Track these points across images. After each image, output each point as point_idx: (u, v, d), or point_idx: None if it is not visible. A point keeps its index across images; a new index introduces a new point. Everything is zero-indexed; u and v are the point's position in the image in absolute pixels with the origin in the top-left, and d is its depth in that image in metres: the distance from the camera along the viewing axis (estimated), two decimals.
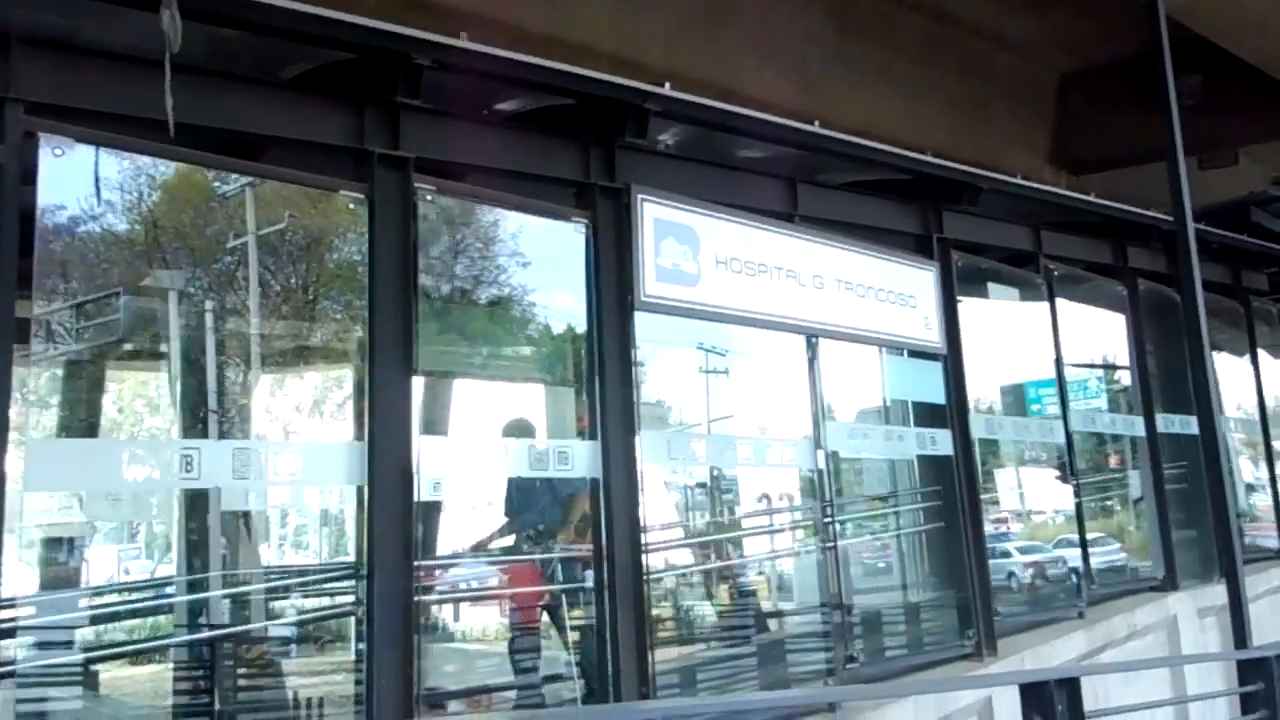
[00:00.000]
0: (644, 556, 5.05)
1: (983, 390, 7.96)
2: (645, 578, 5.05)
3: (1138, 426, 9.32)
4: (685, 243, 5.57)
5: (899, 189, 7.16)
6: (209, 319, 5.02)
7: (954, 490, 7.01)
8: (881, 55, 11.28)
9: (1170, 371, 10.17)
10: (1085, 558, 8.15)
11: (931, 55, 11.81)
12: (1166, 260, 10.24)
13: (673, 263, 5.48)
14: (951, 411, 7.09)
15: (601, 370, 5.10)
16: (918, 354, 7.10)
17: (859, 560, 7.60)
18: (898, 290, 6.83)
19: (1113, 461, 10.37)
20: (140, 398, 5.37)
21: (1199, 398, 7.65)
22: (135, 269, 4.68)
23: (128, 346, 5.13)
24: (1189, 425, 9.98)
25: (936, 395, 7.10)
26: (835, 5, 10.57)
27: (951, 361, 7.17)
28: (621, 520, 4.99)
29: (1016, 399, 8.72)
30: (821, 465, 6.12)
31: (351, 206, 4.49)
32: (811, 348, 6.22)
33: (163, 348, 4.96)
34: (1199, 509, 10.07)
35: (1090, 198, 8.44)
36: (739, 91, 7.40)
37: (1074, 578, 8.11)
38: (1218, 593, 9.21)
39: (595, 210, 5.25)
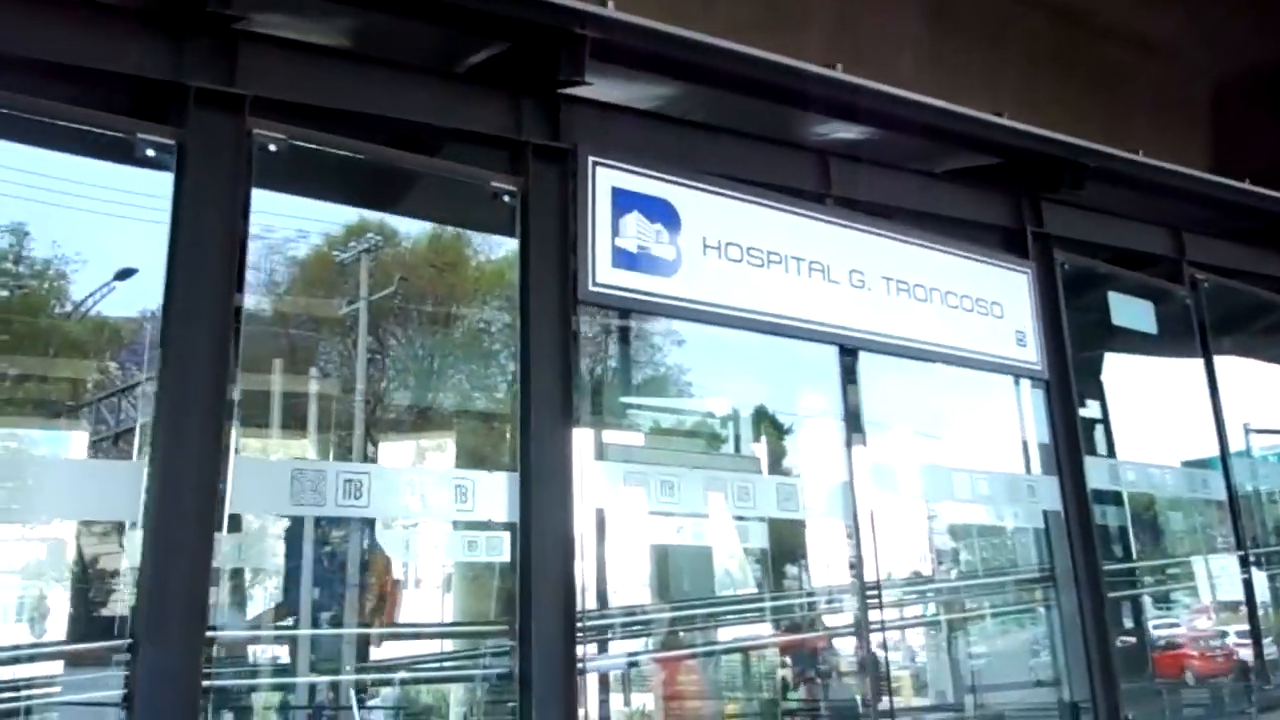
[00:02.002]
0: (578, 636, 3.65)
1: None
2: (579, 668, 3.65)
3: None
4: (658, 220, 4.25)
5: (978, 172, 5.63)
6: None
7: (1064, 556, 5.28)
8: (988, 60, 9.74)
9: None
10: (1258, 648, 6.13)
11: (1054, 61, 10.14)
12: None
13: (638, 245, 4.17)
14: (1059, 455, 5.39)
15: (526, 380, 3.80)
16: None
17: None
18: (975, 295, 5.27)
19: None
20: None
21: None
22: None
23: None
24: None
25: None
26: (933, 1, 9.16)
27: (1056, 388, 5.49)
28: (547, 585, 3.62)
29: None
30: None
31: None
32: (846, 361, 4.73)
33: None
34: None
35: (1249, 186, 6.61)
36: None
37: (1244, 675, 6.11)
38: None
39: (528, 176, 4.01)
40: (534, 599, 3.59)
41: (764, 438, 6.66)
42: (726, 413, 7.22)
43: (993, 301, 5.34)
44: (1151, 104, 11.43)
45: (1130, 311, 6.19)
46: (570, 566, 3.69)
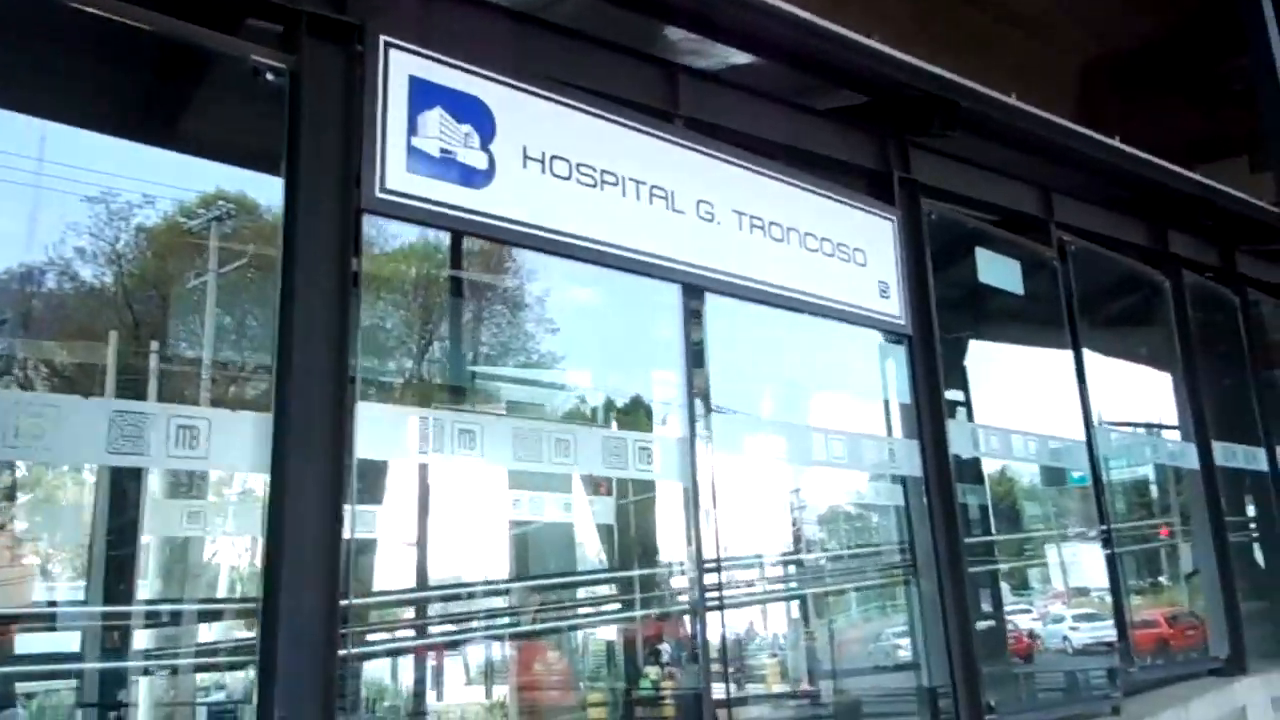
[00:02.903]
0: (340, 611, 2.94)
1: None
2: (341, 656, 2.94)
3: (1189, 457, 7.07)
4: (467, 121, 3.56)
5: (845, 109, 5.14)
6: None
7: (924, 532, 4.85)
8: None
9: (1229, 391, 7.95)
10: (1122, 631, 5.87)
11: (919, 28, 9.86)
12: (1218, 252, 8.14)
13: (441, 148, 3.47)
14: (920, 416, 4.95)
15: (289, 297, 3.06)
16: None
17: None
18: (836, 239, 4.76)
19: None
20: None
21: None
22: None
23: None
24: (1256, 459, 7.77)
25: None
26: None
27: (920, 344, 5.05)
28: (303, 555, 2.90)
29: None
30: None
31: None
32: (691, 301, 4.14)
33: None
34: (1274, 568, 7.80)
35: (1121, 145, 6.33)
36: None
37: (1106, 659, 5.84)
38: None
39: (302, 53, 3.25)
40: (284, 570, 2.86)
41: (609, 396, 6.06)
42: (583, 381, 6.60)
43: (855, 248, 4.84)
44: (1018, 73, 11.23)
45: (997, 270, 5.82)
46: (336, 533, 2.98)
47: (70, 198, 5.34)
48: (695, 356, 4.09)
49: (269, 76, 3.22)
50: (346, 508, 3.02)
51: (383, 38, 3.38)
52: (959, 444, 5.11)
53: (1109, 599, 6.02)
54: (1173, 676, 6.35)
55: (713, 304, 4.23)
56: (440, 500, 5.55)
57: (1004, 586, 7.31)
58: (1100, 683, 5.65)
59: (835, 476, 5.20)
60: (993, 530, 7.52)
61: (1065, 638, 7.21)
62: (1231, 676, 6.57)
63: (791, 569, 6.13)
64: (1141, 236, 7.26)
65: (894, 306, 4.95)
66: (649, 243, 3.96)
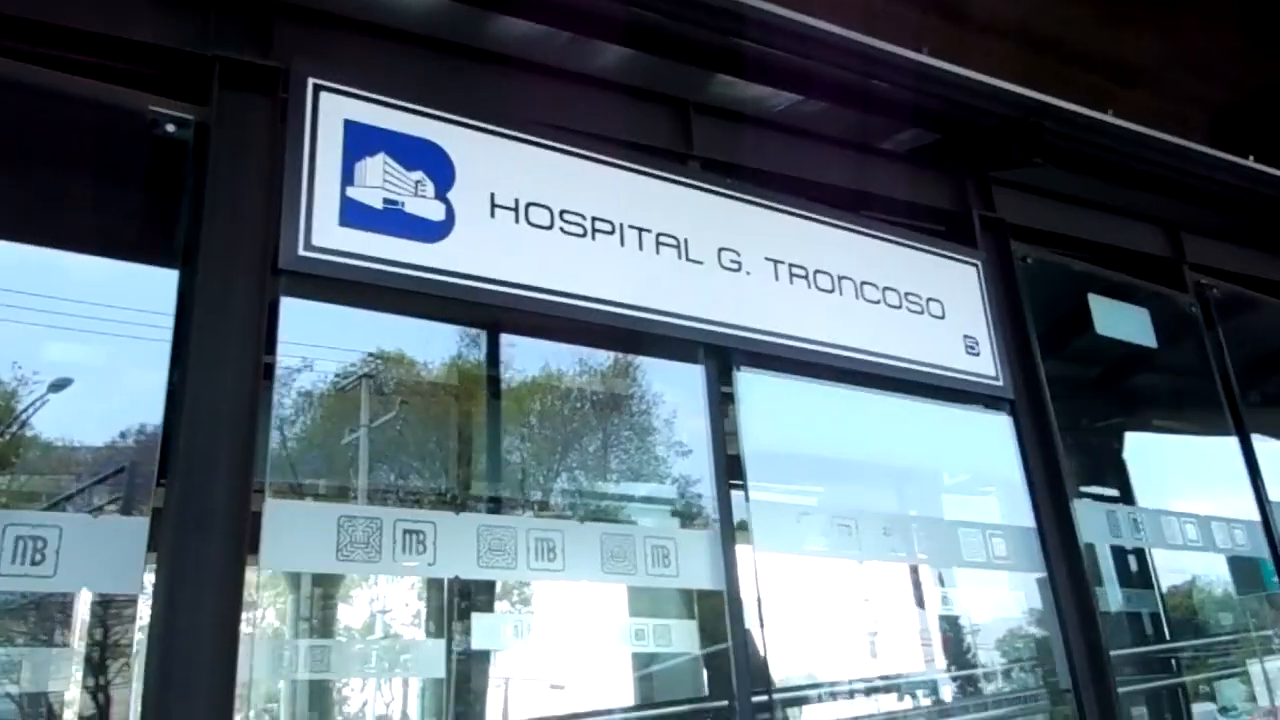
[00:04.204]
0: None
1: None
2: None
3: None
4: (419, 167, 3.02)
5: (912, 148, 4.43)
6: None
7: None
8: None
9: None
10: None
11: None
12: None
13: (386, 198, 2.93)
14: (1035, 498, 4.00)
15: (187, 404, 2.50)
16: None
17: None
18: (904, 288, 3.99)
19: None
20: None
21: None
22: None
23: None
24: None
25: None
26: None
27: (1027, 409, 4.14)
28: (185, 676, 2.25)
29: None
30: None
31: None
32: (713, 365, 3.42)
33: None
34: None
35: (1256, 165, 5.36)
36: None
37: None
38: None
39: (213, 102, 2.80)
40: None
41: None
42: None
43: (929, 298, 4.05)
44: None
45: (1120, 320, 4.86)
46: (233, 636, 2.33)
47: None
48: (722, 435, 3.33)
49: (169, 128, 2.77)
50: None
51: (312, 80, 2.92)
52: (1091, 530, 4.11)
53: None
54: None
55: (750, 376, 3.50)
56: None
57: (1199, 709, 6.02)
58: None
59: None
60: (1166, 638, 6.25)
61: None
62: None
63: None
64: None
65: (986, 365, 4.09)
66: (655, 298, 3.29)
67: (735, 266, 3.54)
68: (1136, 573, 5.99)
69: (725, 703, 3.03)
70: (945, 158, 4.54)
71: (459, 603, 4.44)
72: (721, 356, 3.44)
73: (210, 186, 2.71)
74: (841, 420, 4.05)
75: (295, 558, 2.63)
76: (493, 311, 3.28)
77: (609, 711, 4.09)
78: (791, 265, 3.68)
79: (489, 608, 4.46)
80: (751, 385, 3.49)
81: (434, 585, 4.74)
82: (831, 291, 3.76)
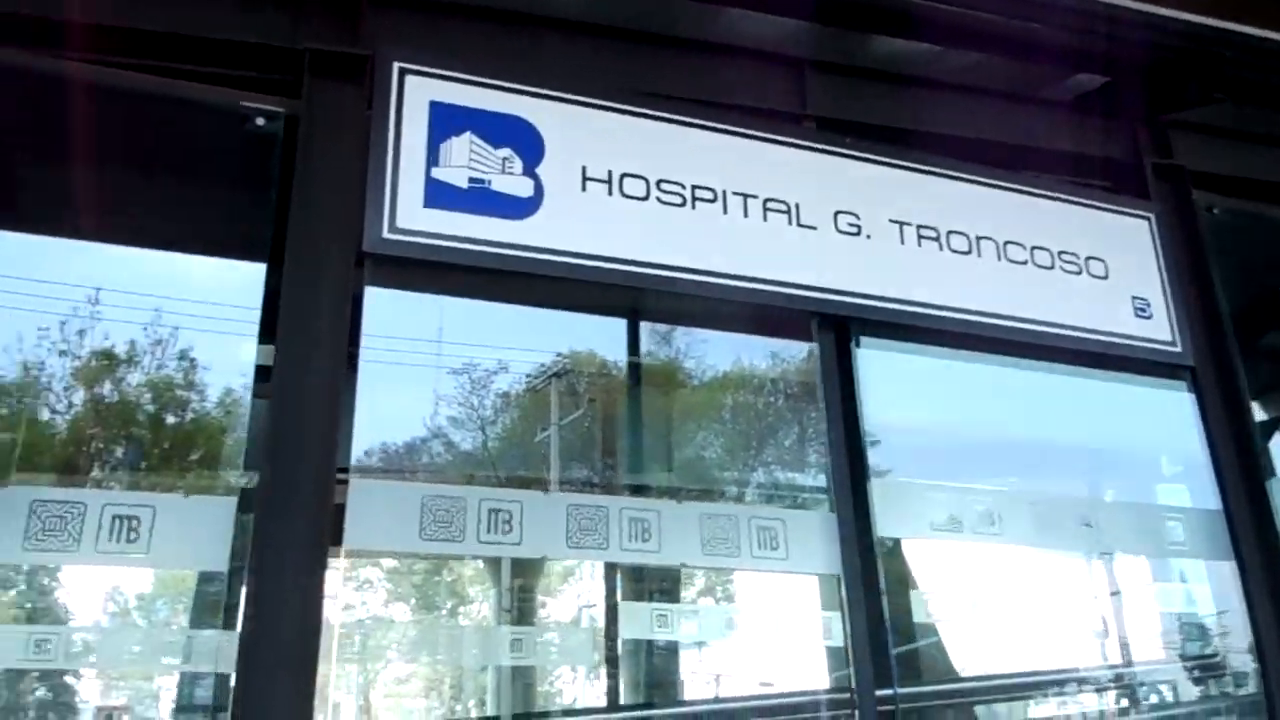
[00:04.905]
0: None
1: None
2: None
3: None
4: (506, 144, 2.97)
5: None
6: None
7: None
8: None
9: None
10: None
11: None
12: None
13: (472, 177, 2.89)
14: (1221, 475, 3.50)
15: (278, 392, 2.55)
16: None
17: None
18: (1056, 246, 3.59)
19: None
20: None
21: None
22: None
23: None
24: None
25: None
26: None
27: (1211, 378, 3.64)
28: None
29: None
30: None
31: None
32: (829, 338, 3.17)
33: None
34: None
35: None
36: None
37: None
38: None
39: (306, 93, 2.86)
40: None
41: None
42: None
43: (1089, 257, 3.63)
44: None
45: None
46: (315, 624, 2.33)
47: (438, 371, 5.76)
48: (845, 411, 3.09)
49: (260, 124, 2.84)
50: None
51: (397, 65, 2.92)
52: None
53: None
54: None
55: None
56: None
57: None
58: None
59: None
60: None
61: None
62: None
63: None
64: None
65: (1160, 329, 3.62)
66: (762, 267, 3.09)
67: (854, 230, 3.29)
68: None
69: (846, 695, 2.79)
70: (1113, 103, 4.07)
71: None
72: (839, 327, 3.20)
73: (300, 175, 2.75)
74: (982, 397, 3.69)
75: (379, 538, 2.63)
76: (597, 292, 3.16)
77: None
78: (920, 227, 3.39)
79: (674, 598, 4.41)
80: (874, 358, 3.23)
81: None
82: (968, 253, 3.43)
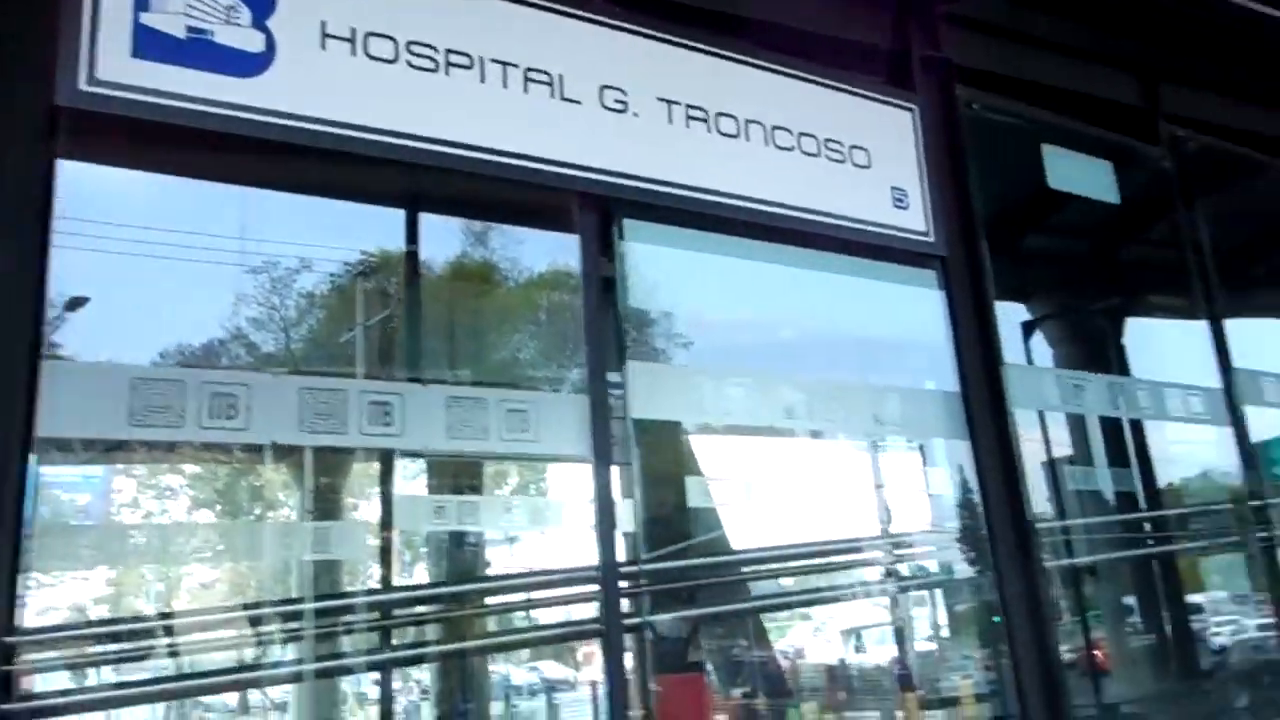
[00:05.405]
0: None
1: None
2: None
3: None
4: None
5: None
6: None
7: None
8: None
9: None
10: None
11: None
12: None
13: (190, 26, 2.58)
14: (961, 361, 3.70)
15: None
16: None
17: None
18: (823, 133, 3.61)
19: None
20: None
21: None
22: None
23: None
24: None
25: None
26: None
27: (959, 268, 3.81)
28: None
29: None
30: None
31: None
32: (590, 219, 3.09)
33: None
34: None
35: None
36: None
37: None
38: None
39: None
40: None
41: None
42: None
43: (853, 145, 3.68)
44: None
45: (1077, 173, 4.47)
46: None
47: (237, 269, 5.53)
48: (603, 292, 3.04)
49: None
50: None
51: None
52: (1026, 395, 3.82)
53: None
54: None
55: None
56: None
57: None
58: None
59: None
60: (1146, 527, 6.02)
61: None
62: None
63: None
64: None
65: (915, 219, 3.74)
66: (523, 142, 2.95)
67: (620, 107, 3.18)
68: (1120, 452, 5.74)
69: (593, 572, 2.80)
70: None
71: None
72: (602, 209, 3.12)
73: None
74: (745, 282, 3.73)
75: (78, 424, 2.39)
76: (355, 172, 2.93)
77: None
78: (689, 107, 3.32)
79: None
80: (639, 240, 3.17)
81: None
82: (736, 136, 3.40)
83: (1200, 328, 4.74)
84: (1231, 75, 5.24)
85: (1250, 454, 4.60)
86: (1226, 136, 5.26)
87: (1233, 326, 4.77)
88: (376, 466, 5.17)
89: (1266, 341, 5.42)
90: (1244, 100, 5.40)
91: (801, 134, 3.55)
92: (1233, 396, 4.47)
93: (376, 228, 5.03)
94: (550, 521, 4.91)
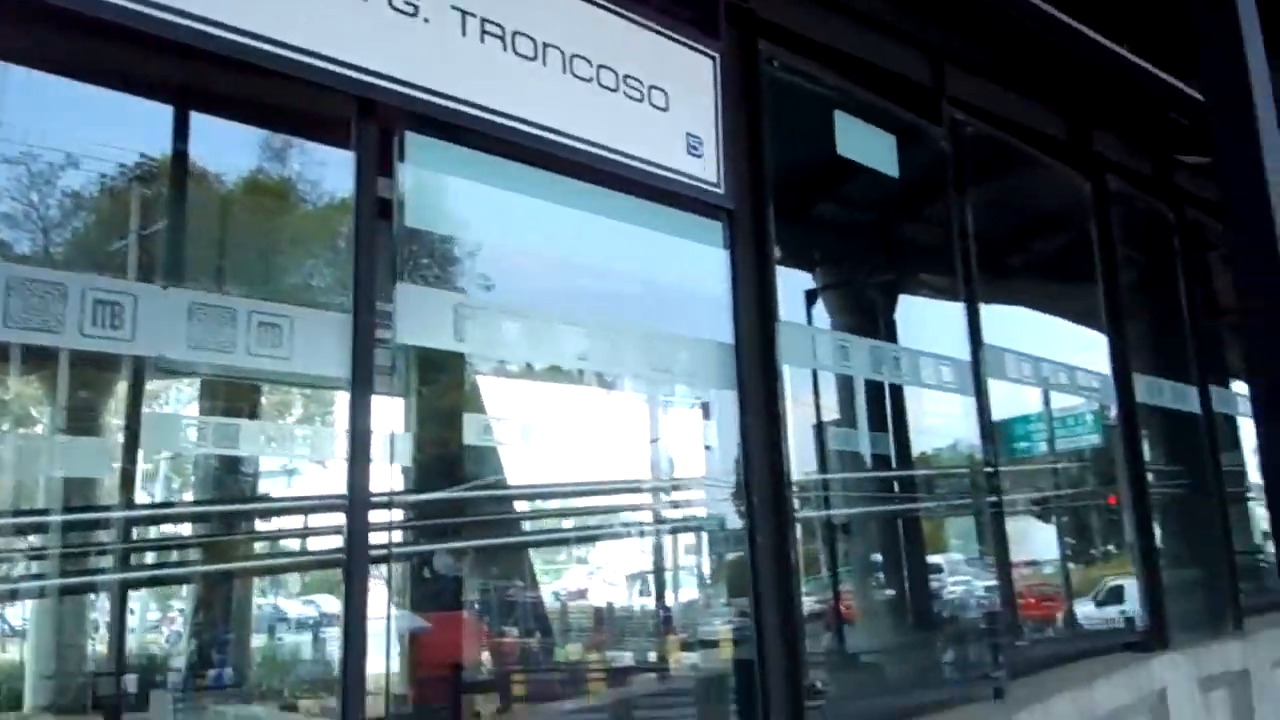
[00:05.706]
0: None
1: None
2: None
3: (1105, 391, 5.98)
4: None
5: None
6: None
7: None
8: None
9: (1158, 320, 6.91)
10: (1009, 599, 4.76)
11: None
12: (1152, 161, 7.04)
13: None
14: (737, 317, 3.77)
15: None
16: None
17: None
18: (622, 69, 3.54)
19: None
20: None
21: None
22: None
23: None
24: (1187, 399, 6.72)
25: None
26: None
27: (746, 222, 3.86)
28: None
29: None
30: None
31: None
32: (374, 133, 2.90)
33: None
34: (1205, 526, 6.77)
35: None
36: None
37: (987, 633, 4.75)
38: (1231, 653, 5.90)
39: None
40: None
41: None
42: None
43: (652, 85, 3.62)
44: None
45: (863, 143, 4.62)
46: None
47: None
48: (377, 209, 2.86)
49: None
50: None
51: None
52: (796, 354, 3.94)
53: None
54: (1074, 653, 5.29)
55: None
56: None
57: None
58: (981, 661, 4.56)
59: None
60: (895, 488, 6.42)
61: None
62: (1150, 652, 5.53)
63: None
64: (1060, 129, 6.11)
65: (707, 169, 3.74)
66: (300, 34, 2.71)
67: (410, 10, 2.98)
68: (880, 418, 6.04)
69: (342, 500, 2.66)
70: None
71: None
72: (381, 119, 2.92)
73: None
74: (535, 221, 3.61)
75: None
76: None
77: None
78: (485, 21, 3.16)
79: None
80: (422, 164, 3.00)
81: None
82: (533, 59, 3.27)
83: (959, 308, 5.05)
84: (1016, 68, 5.58)
85: (990, 425, 4.97)
86: (1003, 127, 5.61)
87: (986, 311, 5.10)
88: (146, 385, 4.79)
89: (1013, 326, 5.86)
90: (1024, 94, 5.77)
91: (601, 66, 3.46)
92: (979, 369, 4.80)
93: (149, 126, 4.58)
94: (327, 453, 4.70)
